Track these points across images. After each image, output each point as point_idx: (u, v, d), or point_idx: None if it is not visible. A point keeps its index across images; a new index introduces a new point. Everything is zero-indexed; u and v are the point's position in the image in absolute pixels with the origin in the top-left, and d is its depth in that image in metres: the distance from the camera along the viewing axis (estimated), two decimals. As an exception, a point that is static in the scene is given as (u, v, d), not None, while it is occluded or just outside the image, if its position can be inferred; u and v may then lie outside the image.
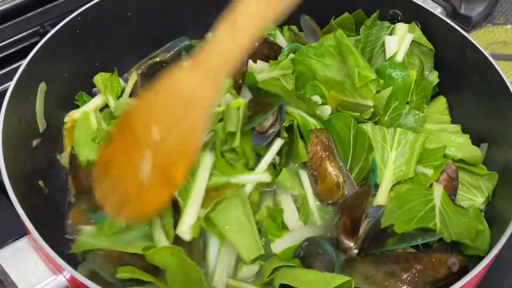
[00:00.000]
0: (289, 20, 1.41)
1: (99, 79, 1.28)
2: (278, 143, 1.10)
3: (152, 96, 0.92)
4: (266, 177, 1.09)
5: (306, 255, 1.00)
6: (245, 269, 1.00)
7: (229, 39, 0.88)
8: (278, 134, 1.11)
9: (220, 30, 0.90)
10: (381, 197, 1.08)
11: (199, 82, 0.89)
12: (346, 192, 1.08)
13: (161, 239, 1.01)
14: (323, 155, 1.10)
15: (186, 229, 0.99)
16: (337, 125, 1.12)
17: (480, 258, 0.90)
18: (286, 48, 1.24)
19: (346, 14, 1.35)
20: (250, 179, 1.07)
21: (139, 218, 0.99)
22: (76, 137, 1.17)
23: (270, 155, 1.10)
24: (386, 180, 1.09)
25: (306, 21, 1.39)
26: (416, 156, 1.10)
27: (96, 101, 1.26)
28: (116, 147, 0.95)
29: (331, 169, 1.09)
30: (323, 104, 1.17)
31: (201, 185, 1.03)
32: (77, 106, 1.27)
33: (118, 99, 1.25)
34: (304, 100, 1.12)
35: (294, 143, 1.12)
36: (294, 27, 1.40)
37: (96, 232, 1.01)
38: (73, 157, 1.16)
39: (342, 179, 1.09)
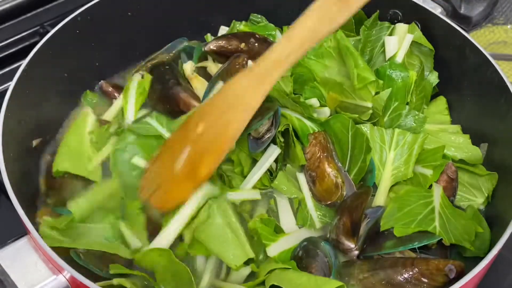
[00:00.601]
0: (289, 20, 1.41)
1: (132, 80, 1.24)
2: (275, 154, 1.09)
3: (210, 100, 1.04)
4: (255, 195, 1.08)
5: (304, 256, 1.00)
6: (235, 273, 1.01)
7: (282, 47, 0.96)
8: (273, 140, 1.10)
9: (278, 39, 1.00)
10: (380, 198, 1.08)
11: (247, 84, 0.98)
12: (344, 193, 1.08)
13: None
14: (321, 156, 1.09)
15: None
16: (335, 126, 1.12)
17: (480, 259, 0.90)
18: None
19: None
20: (237, 197, 1.06)
21: (165, 207, 1.03)
22: (65, 140, 1.15)
23: (262, 170, 1.08)
24: (384, 181, 1.09)
25: None
26: (415, 156, 1.10)
27: (116, 106, 1.23)
28: (169, 143, 1.07)
29: (329, 169, 1.09)
30: (321, 106, 1.17)
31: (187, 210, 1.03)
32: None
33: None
34: (300, 103, 1.12)
35: (291, 146, 1.11)
36: None
37: (54, 223, 1.00)
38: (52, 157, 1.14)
39: (340, 180, 1.08)
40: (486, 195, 1.10)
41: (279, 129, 1.10)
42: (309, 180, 1.10)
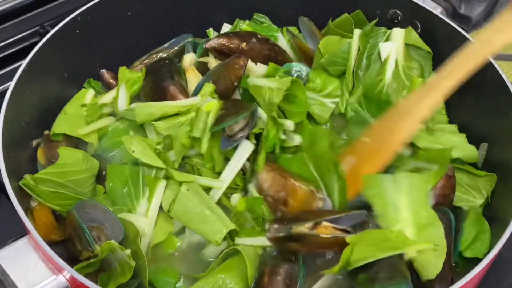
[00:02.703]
0: (288, 22, 1.41)
1: (123, 72, 1.23)
2: (248, 149, 1.07)
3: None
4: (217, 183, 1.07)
5: (278, 256, 0.99)
6: (210, 249, 1.04)
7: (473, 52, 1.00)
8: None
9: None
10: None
11: (417, 95, 1.02)
12: (323, 196, 1.05)
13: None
14: (284, 174, 1.06)
15: None
16: (294, 167, 1.09)
17: (480, 259, 0.90)
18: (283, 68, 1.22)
19: (345, 15, 1.35)
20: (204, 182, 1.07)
21: None
22: (64, 109, 1.19)
23: (237, 167, 1.07)
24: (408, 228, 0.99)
25: (304, 22, 1.39)
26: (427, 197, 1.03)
27: (113, 94, 1.24)
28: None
29: (297, 182, 1.05)
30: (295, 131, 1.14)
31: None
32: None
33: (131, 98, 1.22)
34: (273, 120, 1.09)
35: (258, 152, 1.08)
36: (293, 29, 1.40)
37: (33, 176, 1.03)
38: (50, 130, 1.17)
39: (313, 187, 1.05)
40: (486, 196, 1.10)
41: (254, 130, 1.08)
42: (277, 204, 1.05)
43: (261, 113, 1.12)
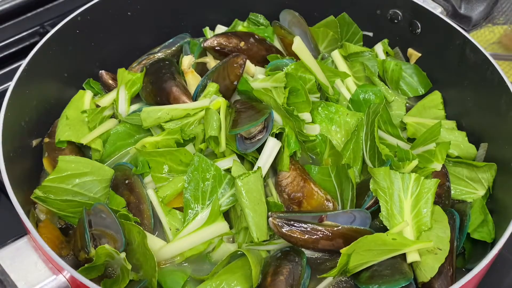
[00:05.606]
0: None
1: (122, 74, 1.23)
2: (277, 147, 1.07)
3: None
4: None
5: (281, 257, 0.99)
6: (219, 252, 1.03)
7: None
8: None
9: None
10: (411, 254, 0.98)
11: None
12: (338, 207, 1.06)
13: None
14: (305, 177, 1.07)
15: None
16: (316, 177, 1.10)
17: (481, 257, 0.90)
18: (269, 65, 1.23)
19: (331, 17, 1.36)
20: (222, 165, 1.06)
21: None
22: (64, 113, 1.19)
23: (268, 163, 1.07)
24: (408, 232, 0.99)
25: (290, 14, 1.37)
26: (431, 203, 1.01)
27: (112, 96, 1.24)
28: None
29: (316, 188, 1.06)
30: (313, 122, 1.16)
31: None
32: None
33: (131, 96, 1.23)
34: (292, 116, 1.10)
35: (280, 151, 1.09)
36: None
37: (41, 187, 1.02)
38: (50, 138, 1.16)
39: (330, 197, 1.06)
40: (487, 186, 1.10)
41: (273, 131, 1.09)
42: (291, 203, 1.06)
43: (275, 114, 1.12)
